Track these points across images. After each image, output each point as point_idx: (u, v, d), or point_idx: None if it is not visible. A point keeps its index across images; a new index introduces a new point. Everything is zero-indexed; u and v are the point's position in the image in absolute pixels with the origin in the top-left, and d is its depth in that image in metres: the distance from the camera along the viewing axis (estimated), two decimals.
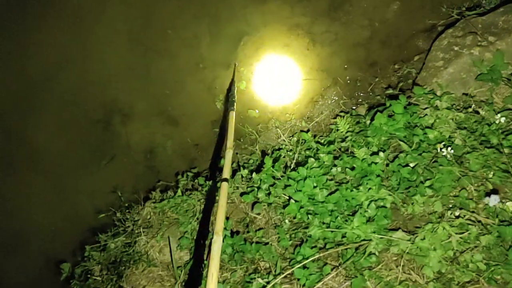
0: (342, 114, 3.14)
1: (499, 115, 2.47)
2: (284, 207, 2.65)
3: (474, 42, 2.69)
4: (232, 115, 2.64)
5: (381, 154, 2.64)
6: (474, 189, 2.38)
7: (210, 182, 3.04)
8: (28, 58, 3.71)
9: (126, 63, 3.66)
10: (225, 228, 2.56)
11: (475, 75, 2.63)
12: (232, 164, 2.81)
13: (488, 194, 2.33)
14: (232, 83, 3.41)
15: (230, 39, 3.61)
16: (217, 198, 2.76)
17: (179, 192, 3.06)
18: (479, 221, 2.25)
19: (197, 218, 2.88)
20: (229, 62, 3.56)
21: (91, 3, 3.75)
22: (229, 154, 2.26)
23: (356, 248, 2.37)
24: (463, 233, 2.21)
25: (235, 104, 2.83)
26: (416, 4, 3.31)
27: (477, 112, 2.57)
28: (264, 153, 3.15)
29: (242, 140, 3.40)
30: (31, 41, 3.73)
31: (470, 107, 2.59)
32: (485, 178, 2.40)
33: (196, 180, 3.17)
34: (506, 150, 2.42)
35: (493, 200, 2.27)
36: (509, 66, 2.52)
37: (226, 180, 2.03)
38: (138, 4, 3.72)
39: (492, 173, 2.40)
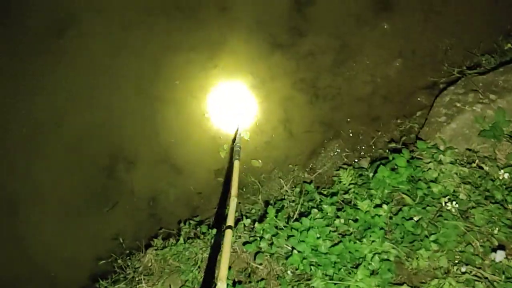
0: (345, 166, 3.16)
1: (502, 171, 2.50)
2: (286, 257, 2.61)
3: (476, 99, 2.77)
4: (237, 165, 2.66)
5: (384, 206, 2.64)
6: (480, 245, 2.37)
7: (213, 231, 3.01)
8: (37, 102, 3.78)
9: (133, 111, 3.72)
10: (227, 278, 2.51)
11: (478, 131, 2.68)
12: (235, 213, 2.79)
13: (494, 250, 2.31)
14: (236, 133, 3.46)
15: (236, 90, 3.70)
16: (220, 246, 2.73)
17: (181, 240, 3.03)
18: (486, 278, 2.22)
19: (199, 267, 2.83)
20: (235, 113, 3.63)
21: (102, 52, 3.87)
22: (233, 202, 2.26)
23: None
24: None
25: (239, 153, 2.86)
26: (418, 62, 3.43)
27: (481, 168, 2.59)
28: (267, 203, 3.15)
29: (244, 190, 3.40)
30: (41, 85, 3.81)
31: (474, 162, 2.62)
32: (490, 233, 2.39)
33: (198, 228, 3.14)
34: (510, 206, 2.42)
35: (499, 256, 2.25)
36: (510, 123, 2.58)
37: (230, 227, 2.03)
38: (148, 55, 3.83)
39: (497, 228, 2.39)
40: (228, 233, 1.98)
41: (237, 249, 2.87)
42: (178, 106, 3.72)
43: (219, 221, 3.21)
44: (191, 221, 3.26)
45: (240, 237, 2.88)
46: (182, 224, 3.26)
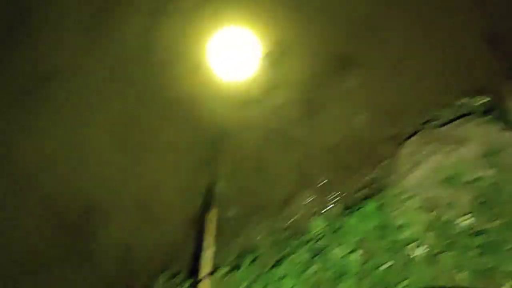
0: (317, 214, 3.24)
1: (463, 217, 2.65)
2: None
3: (435, 150, 2.97)
4: (212, 213, 2.71)
5: (356, 253, 2.71)
6: None
7: (189, 282, 2.98)
8: (11, 153, 3.75)
9: (106, 164, 3.72)
10: None
11: (439, 179, 2.84)
12: (211, 262, 2.80)
13: None
14: (212, 183, 3.50)
15: (208, 142, 3.77)
16: None
17: None
18: None
19: None
20: (208, 164, 3.68)
21: (81, 104, 3.90)
22: (209, 252, 2.30)
23: None
24: None
25: (214, 203, 2.91)
26: (382, 114, 3.62)
27: (444, 214, 2.74)
28: (242, 252, 3.16)
29: (220, 239, 3.40)
30: (17, 136, 3.79)
31: (437, 209, 2.77)
32: (457, 277, 2.49)
33: (173, 280, 3.11)
34: (473, 252, 2.55)
35: None
36: (467, 172, 2.77)
37: (206, 277, 2.05)
38: (123, 110, 3.87)
39: (463, 272, 2.49)
40: (204, 284, 2.00)
41: None
42: (152, 158, 3.75)
43: (195, 271, 3.18)
44: (166, 273, 3.22)
45: (216, 286, 2.87)
46: (156, 277, 3.21)
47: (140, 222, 3.53)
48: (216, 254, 3.25)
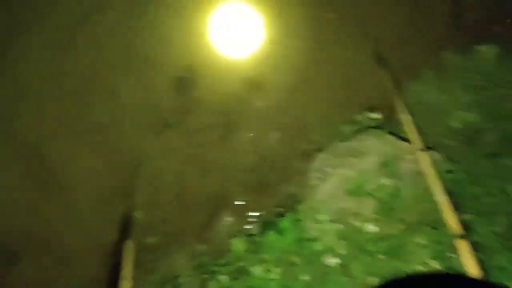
0: (237, 234, 3.29)
1: (369, 224, 2.83)
2: None
3: (340, 163, 3.16)
4: (129, 244, 2.66)
5: (276, 270, 2.79)
6: None
7: None
8: None
9: (14, 201, 3.52)
10: None
11: (346, 191, 3.02)
12: None
13: None
14: (129, 212, 3.43)
15: (127, 168, 3.70)
16: None
17: None
18: None
19: None
20: (127, 191, 3.61)
21: None
22: (126, 285, 2.25)
23: None
24: None
25: (132, 233, 2.85)
26: (293, 133, 3.78)
27: (352, 223, 2.90)
28: (163, 281, 3.12)
29: (140, 269, 3.32)
30: None
31: (346, 219, 2.93)
32: (369, 283, 2.64)
33: None
34: (381, 256, 2.72)
35: None
36: (369, 182, 2.97)
37: None
38: (29, 144, 3.71)
39: (373, 278, 2.65)
40: None
41: None
42: (66, 190, 3.61)
43: None
44: None
45: None
46: None
47: (52, 264, 3.35)
48: (135, 285, 3.17)
